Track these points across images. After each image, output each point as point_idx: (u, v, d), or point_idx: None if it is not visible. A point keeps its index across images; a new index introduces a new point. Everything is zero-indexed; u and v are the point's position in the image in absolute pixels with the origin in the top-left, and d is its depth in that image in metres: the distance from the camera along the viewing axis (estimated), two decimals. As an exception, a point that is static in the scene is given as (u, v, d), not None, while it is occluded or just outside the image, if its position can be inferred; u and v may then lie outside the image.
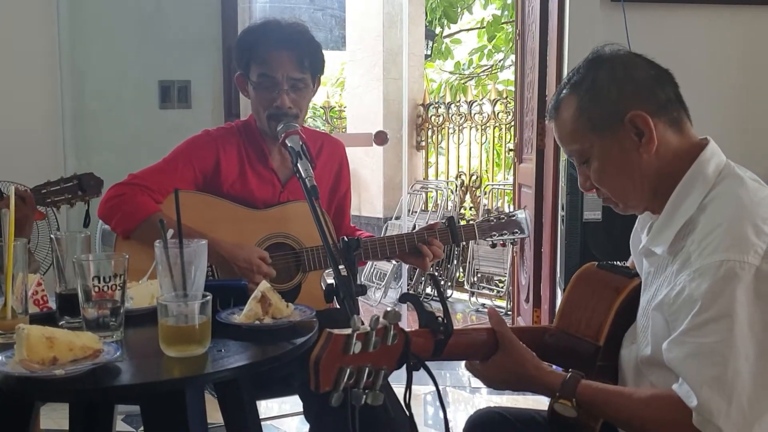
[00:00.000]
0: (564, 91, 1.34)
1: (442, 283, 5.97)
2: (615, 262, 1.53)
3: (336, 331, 1.00)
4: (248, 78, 1.99)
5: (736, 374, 1.11)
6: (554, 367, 1.37)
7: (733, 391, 1.11)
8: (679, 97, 1.31)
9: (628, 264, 1.52)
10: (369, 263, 5.68)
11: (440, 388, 1.24)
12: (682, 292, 1.18)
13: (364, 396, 1.02)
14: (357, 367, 1.01)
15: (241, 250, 1.90)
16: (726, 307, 1.12)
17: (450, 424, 1.24)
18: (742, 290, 1.12)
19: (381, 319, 1.03)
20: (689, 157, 1.28)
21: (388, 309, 1.05)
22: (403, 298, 1.25)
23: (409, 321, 4.51)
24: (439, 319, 1.23)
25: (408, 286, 5.78)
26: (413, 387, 1.14)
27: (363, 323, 1.03)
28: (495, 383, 1.37)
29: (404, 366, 1.12)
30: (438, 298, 1.28)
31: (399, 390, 1.70)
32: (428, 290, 5.88)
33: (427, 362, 1.16)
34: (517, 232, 2.12)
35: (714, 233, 1.18)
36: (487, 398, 3.43)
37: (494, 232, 2.11)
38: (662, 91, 1.29)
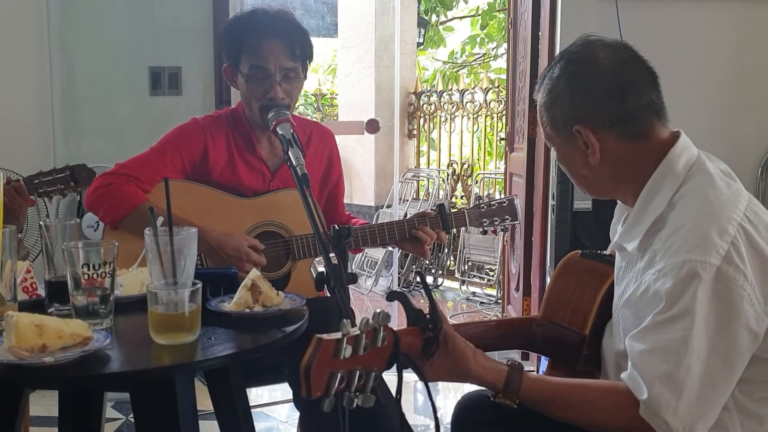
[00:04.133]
0: (541, 82, 1.37)
1: (433, 271, 5.99)
2: (598, 251, 1.54)
3: (326, 336, 0.98)
4: (238, 69, 1.97)
5: (687, 371, 1.13)
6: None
7: (683, 387, 1.13)
8: (651, 104, 1.27)
9: (608, 252, 1.53)
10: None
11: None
12: (648, 291, 1.20)
13: (356, 399, 1.02)
14: (348, 370, 1.00)
15: (230, 239, 1.90)
16: (687, 307, 1.14)
17: (440, 411, 1.23)
18: (702, 290, 1.13)
19: (370, 321, 1.02)
20: (656, 157, 1.27)
21: (377, 310, 1.03)
22: (391, 297, 1.22)
23: (398, 316, 4.51)
24: (428, 316, 1.21)
25: (399, 274, 5.79)
26: (403, 374, 1.14)
27: (353, 326, 1.02)
28: (438, 379, 1.32)
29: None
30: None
31: (388, 378, 1.71)
32: (419, 279, 5.89)
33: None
34: (508, 219, 2.10)
35: (679, 233, 1.19)
36: (477, 385, 3.44)
37: (485, 219, 2.09)
38: (622, 104, 1.25)
